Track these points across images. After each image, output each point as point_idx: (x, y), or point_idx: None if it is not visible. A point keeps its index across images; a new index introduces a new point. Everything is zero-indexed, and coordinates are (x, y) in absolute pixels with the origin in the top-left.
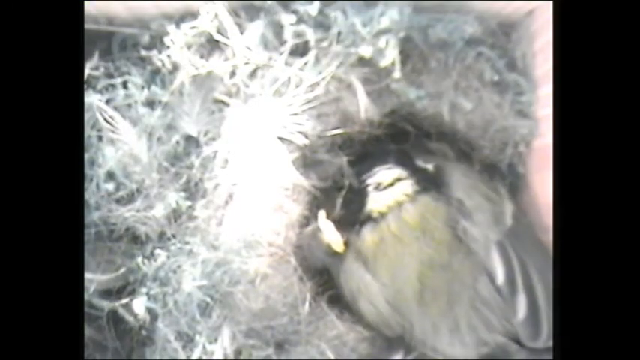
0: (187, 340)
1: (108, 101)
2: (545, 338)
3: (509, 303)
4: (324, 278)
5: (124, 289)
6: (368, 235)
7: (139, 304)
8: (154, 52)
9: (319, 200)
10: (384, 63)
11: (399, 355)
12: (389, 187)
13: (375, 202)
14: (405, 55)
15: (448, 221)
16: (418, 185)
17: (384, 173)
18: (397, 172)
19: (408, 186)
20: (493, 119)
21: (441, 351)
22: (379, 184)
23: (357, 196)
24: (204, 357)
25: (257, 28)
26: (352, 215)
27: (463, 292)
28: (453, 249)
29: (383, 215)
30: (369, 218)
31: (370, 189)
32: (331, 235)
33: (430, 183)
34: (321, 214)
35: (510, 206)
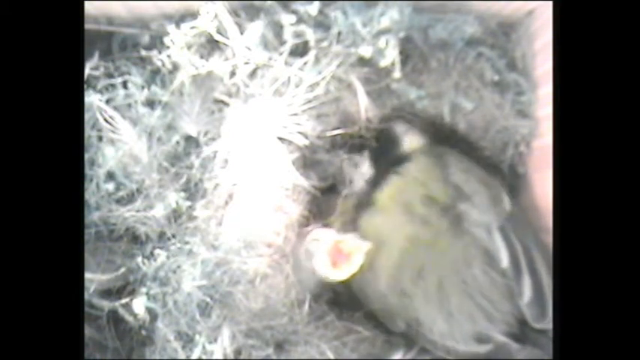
0: (187, 340)
1: (108, 101)
2: (550, 319)
3: (515, 286)
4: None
5: (123, 289)
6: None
7: (139, 304)
8: (154, 52)
9: (319, 200)
10: (384, 63)
11: (398, 355)
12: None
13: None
14: (405, 55)
15: (446, 204)
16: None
17: None
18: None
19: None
20: (494, 119)
21: (440, 345)
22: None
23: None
24: (203, 357)
25: (257, 28)
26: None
27: (461, 280)
28: (451, 233)
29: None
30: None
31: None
32: (329, 269)
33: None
34: (319, 246)
35: (506, 193)
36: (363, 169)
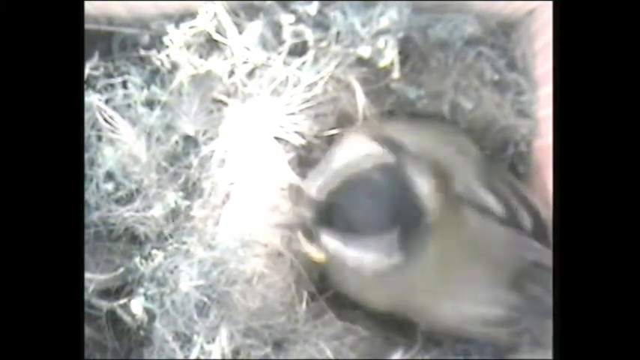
0: (185, 341)
1: (107, 101)
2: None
3: (515, 223)
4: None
5: (122, 290)
6: None
7: (137, 305)
8: (154, 52)
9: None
10: (383, 63)
11: (398, 354)
12: None
13: None
14: (404, 55)
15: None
16: None
17: None
18: None
19: None
20: (494, 119)
21: (441, 322)
22: None
23: None
24: (202, 357)
25: (256, 27)
26: None
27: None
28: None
29: None
30: None
31: None
32: (309, 247)
33: None
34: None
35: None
36: None
